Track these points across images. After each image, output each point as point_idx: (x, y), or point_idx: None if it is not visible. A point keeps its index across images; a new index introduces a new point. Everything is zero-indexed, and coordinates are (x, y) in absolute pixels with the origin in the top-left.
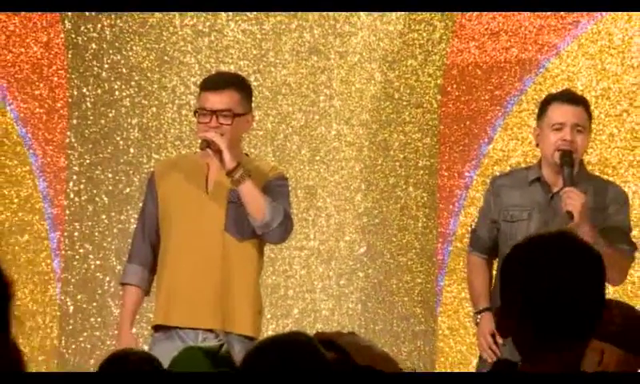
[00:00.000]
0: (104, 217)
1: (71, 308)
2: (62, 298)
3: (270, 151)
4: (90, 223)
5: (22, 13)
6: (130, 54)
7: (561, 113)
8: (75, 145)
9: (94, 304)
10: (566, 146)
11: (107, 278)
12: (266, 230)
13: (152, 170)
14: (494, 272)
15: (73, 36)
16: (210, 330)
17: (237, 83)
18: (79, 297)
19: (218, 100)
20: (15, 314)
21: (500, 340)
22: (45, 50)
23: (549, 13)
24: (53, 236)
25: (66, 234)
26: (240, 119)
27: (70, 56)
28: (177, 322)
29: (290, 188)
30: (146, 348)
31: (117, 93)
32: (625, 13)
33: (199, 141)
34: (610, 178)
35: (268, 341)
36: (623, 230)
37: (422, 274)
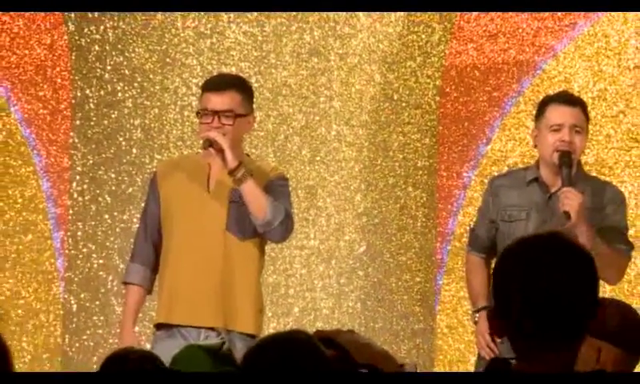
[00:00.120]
0: (107, 216)
1: (74, 306)
2: (66, 296)
3: (271, 152)
4: (93, 223)
5: (26, 15)
6: (133, 55)
7: (559, 114)
8: (78, 145)
9: (97, 302)
10: (564, 147)
11: (110, 277)
12: (268, 229)
13: (154, 170)
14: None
15: (76, 38)
16: (212, 328)
17: (238, 84)
18: (82, 295)
19: (220, 101)
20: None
21: (498, 338)
22: (48, 51)
23: (546, 15)
24: (56, 235)
25: (69, 233)
26: (241, 120)
27: (73, 58)
28: (179, 320)
29: (290, 188)
30: (148, 346)
31: (119, 94)
32: (621, 16)
33: (201, 141)
34: (607, 179)
35: (268, 339)
36: (620, 229)
37: (421, 273)
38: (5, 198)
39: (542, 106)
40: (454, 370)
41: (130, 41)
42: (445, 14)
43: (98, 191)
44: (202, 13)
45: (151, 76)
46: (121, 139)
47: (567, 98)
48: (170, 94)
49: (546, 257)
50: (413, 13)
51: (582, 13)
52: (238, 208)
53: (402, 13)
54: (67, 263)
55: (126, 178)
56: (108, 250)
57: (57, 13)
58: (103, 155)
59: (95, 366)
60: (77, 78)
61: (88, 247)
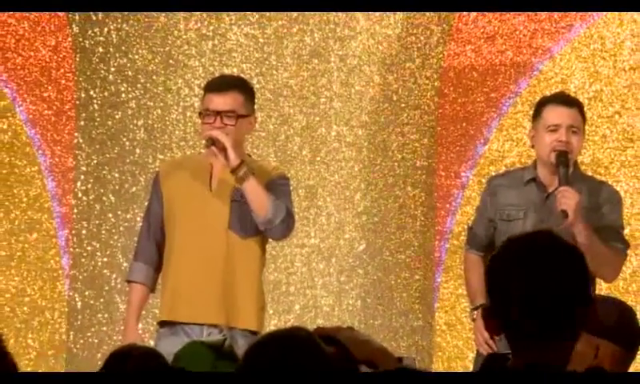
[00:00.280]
0: (111, 215)
1: (79, 304)
2: (71, 294)
3: (272, 152)
4: (97, 221)
5: (31, 17)
6: (136, 57)
7: (556, 114)
8: (83, 145)
9: (102, 300)
10: (561, 147)
11: (114, 275)
12: (269, 227)
13: (157, 170)
14: None
15: (80, 40)
16: (215, 325)
17: (240, 85)
18: (87, 293)
19: (222, 101)
20: None
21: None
22: (53, 53)
23: (543, 17)
24: (61, 234)
25: (74, 232)
26: (243, 120)
27: (77, 59)
28: (182, 317)
29: (291, 187)
30: (151, 343)
31: (123, 95)
32: (616, 18)
33: (204, 141)
34: (603, 178)
35: (269, 336)
36: (616, 228)
37: (420, 271)
38: (10, 197)
39: (540, 107)
40: (453, 366)
41: (134, 42)
42: (443, 16)
43: (102, 190)
44: (205, 15)
45: (154, 77)
46: (124, 139)
47: (564, 99)
48: (172, 95)
49: (537, 255)
50: (412, 15)
51: (579, 15)
52: (239, 207)
53: (401, 15)
54: (72, 261)
55: (129, 178)
56: (112, 249)
57: (61, 15)
58: (107, 155)
59: (100, 363)
60: (81, 79)
61: (92, 245)
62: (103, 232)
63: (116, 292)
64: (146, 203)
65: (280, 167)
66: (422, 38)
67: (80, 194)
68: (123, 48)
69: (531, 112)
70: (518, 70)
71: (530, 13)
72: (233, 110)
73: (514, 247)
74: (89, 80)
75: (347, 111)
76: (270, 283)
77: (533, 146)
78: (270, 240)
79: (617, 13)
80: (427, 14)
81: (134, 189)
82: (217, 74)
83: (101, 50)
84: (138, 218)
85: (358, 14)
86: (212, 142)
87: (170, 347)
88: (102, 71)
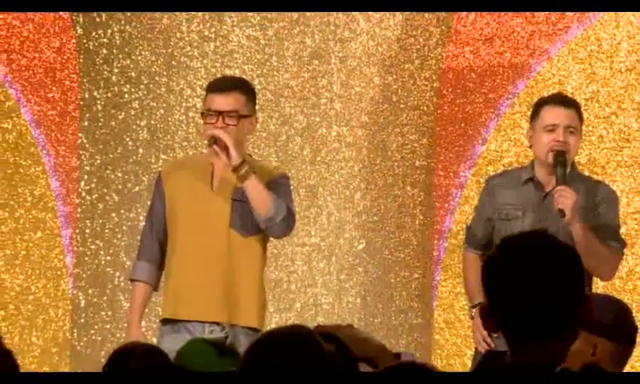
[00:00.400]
0: (114, 215)
1: (83, 302)
2: (74, 292)
3: (273, 152)
4: (100, 221)
5: (36, 19)
6: (139, 58)
7: (554, 115)
8: (86, 145)
9: (105, 298)
10: (559, 147)
11: (117, 274)
12: (270, 225)
13: (159, 170)
14: None
15: (84, 41)
16: (216, 323)
17: (242, 86)
18: (90, 291)
19: (225, 101)
20: None
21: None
22: (57, 54)
23: (540, 19)
24: (65, 233)
25: (77, 230)
26: (245, 121)
27: (81, 60)
28: (185, 315)
29: (291, 187)
30: (154, 341)
31: (126, 95)
32: (613, 19)
33: (206, 140)
34: (600, 178)
35: (270, 334)
36: (613, 227)
37: (419, 270)
38: (15, 196)
39: (537, 107)
40: (451, 363)
41: (137, 44)
42: (442, 18)
43: (105, 190)
44: (207, 17)
45: (157, 78)
46: (127, 139)
47: (562, 100)
48: (175, 96)
49: (532, 255)
50: (411, 17)
51: (576, 17)
52: (241, 206)
53: (400, 17)
54: (76, 260)
55: (132, 178)
56: (115, 247)
57: (65, 17)
58: (110, 155)
59: (103, 360)
60: (85, 80)
61: (96, 244)
62: (106, 231)
63: (119, 290)
64: (149, 203)
65: (281, 167)
66: (421, 39)
67: (84, 194)
68: (126, 49)
69: (529, 112)
70: (515, 71)
71: (527, 15)
72: (235, 110)
73: (509, 247)
74: (92, 81)
75: (347, 112)
76: (271, 281)
77: (531, 146)
78: (271, 239)
79: (613, 15)
80: (426, 15)
81: (136, 188)
82: (219, 75)
83: (104, 51)
84: (141, 217)
85: (358, 16)
86: (214, 140)
87: (172, 345)
88: (106, 72)
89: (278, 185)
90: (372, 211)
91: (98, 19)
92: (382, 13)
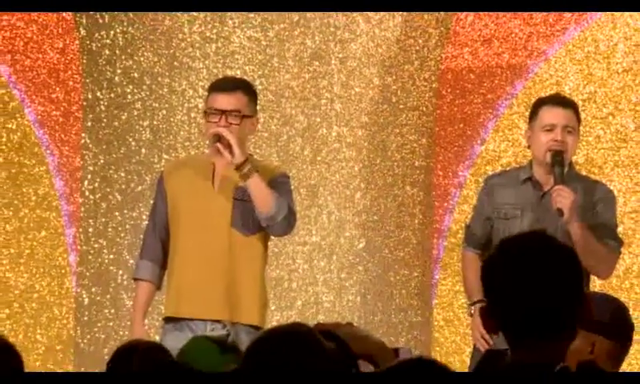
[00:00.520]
0: (117, 214)
1: (86, 300)
2: (78, 290)
3: (274, 152)
4: (103, 220)
5: (40, 21)
6: (142, 59)
7: (552, 115)
8: (90, 145)
9: (108, 296)
10: (557, 147)
11: (120, 272)
12: (271, 223)
13: (161, 170)
14: None
15: (87, 42)
16: (218, 321)
17: (244, 87)
18: (94, 289)
19: (228, 101)
20: None
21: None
22: (61, 55)
23: (538, 20)
24: (69, 232)
25: (81, 229)
26: (247, 121)
27: (84, 61)
28: (187, 313)
29: (292, 186)
30: (157, 338)
31: (129, 96)
32: (610, 21)
33: (209, 138)
34: (597, 178)
35: (271, 332)
36: (610, 226)
37: (419, 268)
38: (19, 196)
39: (536, 108)
40: (450, 361)
41: (139, 45)
42: (441, 19)
43: (108, 189)
44: (209, 19)
45: (159, 79)
46: (130, 140)
47: (560, 100)
48: (177, 97)
49: (531, 255)
50: (410, 19)
51: (573, 19)
52: (242, 205)
53: (400, 19)
54: (79, 258)
55: (135, 177)
56: (118, 246)
57: (69, 19)
58: (113, 155)
59: (106, 358)
60: (88, 80)
61: (99, 243)
62: (110, 230)
63: (122, 288)
64: (152, 202)
65: (281, 166)
66: (420, 40)
67: (87, 193)
68: (129, 50)
69: (527, 113)
70: (513, 72)
71: (525, 17)
72: (238, 110)
73: (509, 248)
74: (96, 82)
75: (347, 112)
76: (272, 280)
77: (529, 146)
78: (272, 237)
79: (610, 17)
80: (425, 17)
81: (139, 188)
82: (220, 76)
83: (107, 52)
84: (144, 216)
85: (358, 18)
86: (218, 138)
87: (174, 343)
88: (109, 73)
89: (278, 184)
90: (372, 210)
91: (101, 21)
92: (381, 14)
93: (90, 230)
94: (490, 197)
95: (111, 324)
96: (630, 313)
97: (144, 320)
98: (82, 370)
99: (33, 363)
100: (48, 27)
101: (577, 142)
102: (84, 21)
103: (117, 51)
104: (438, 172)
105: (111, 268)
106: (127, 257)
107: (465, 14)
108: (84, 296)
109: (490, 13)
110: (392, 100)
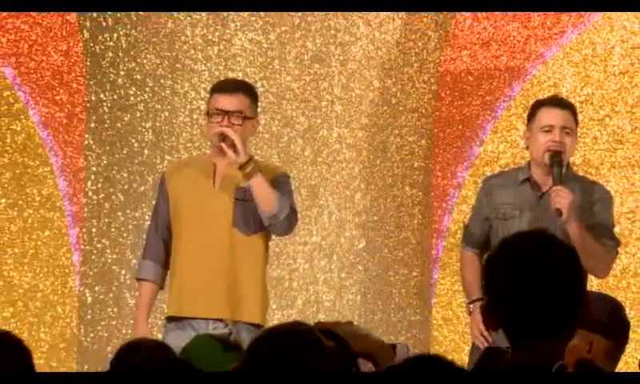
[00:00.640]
0: (120, 214)
1: (89, 299)
2: (81, 289)
3: (275, 153)
4: (107, 220)
5: (44, 24)
6: (145, 61)
7: (550, 116)
8: (93, 146)
9: (111, 295)
10: (555, 147)
11: (123, 271)
12: (274, 222)
13: (163, 171)
14: None
15: (91, 45)
16: (220, 320)
17: (246, 89)
18: (97, 288)
19: (230, 102)
20: None
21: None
22: (65, 58)
23: (536, 23)
24: (72, 232)
25: (84, 229)
26: (248, 122)
27: (88, 63)
28: (189, 312)
29: (293, 187)
30: (159, 337)
31: (132, 98)
32: (607, 24)
33: (211, 139)
34: (594, 179)
35: (271, 330)
36: (607, 226)
37: (418, 268)
38: (24, 196)
39: (534, 109)
40: (449, 358)
41: (142, 47)
42: (440, 22)
43: (111, 190)
44: (211, 21)
45: (162, 81)
46: (133, 141)
47: (558, 101)
48: (179, 98)
49: (533, 254)
50: (410, 22)
51: (571, 22)
52: (243, 205)
53: (399, 22)
54: (82, 258)
55: (137, 178)
56: (121, 246)
57: (72, 22)
58: (116, 156)
59: (110, 356)
60: (91, 82)
61: (102, 243)
62: (113, 230)
63: (125, 287)
64: (154, 203)
65: (282, 166)
66: (419, 43)
67: (90, 194)
68: (132, 53)
69: (525, 115)
70: (511, 74)
71: (523, 20)
72: (240, 111)
73: (510, 247)
74: (99, 83)
75: (348, 114)
76: (273, 279)
77: (527, 147)
78: (273, 237)
79: (607, 20)
80: (425, 20)
81: (142, 188)
82: (222, 78)
83: (110, 54)
84: (146, 217)
85: (358, 21)
86: (223, 137)
87: (177, 341)
88: (112, 75)
89: (279, 183)
90: (372, 211)
91: (104, 24)
92: (381, 18)
93: (94, 229)
94: (488, 197)
95: (114, 322)
96: (627, 311)
97: (148, 319)
98: (86, 367)
99: (36, 361)
100: (52, 30)
101: (575, 142)
102: (88, 24)
103: (120, 54)
104: (436, 173)
105: (114, 267)
106: (130, 256)
107: (463, 17)
108: (87, 295)
109: (489, 16)
110: (392, 102)
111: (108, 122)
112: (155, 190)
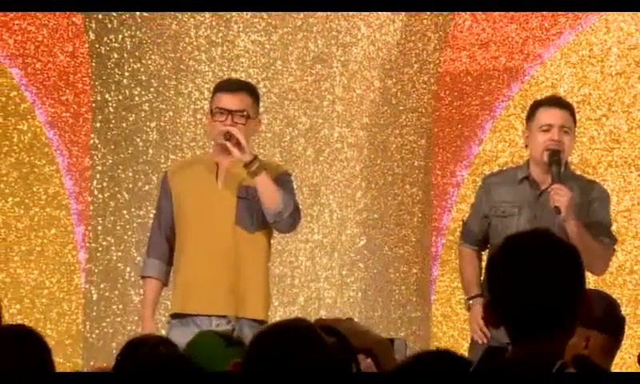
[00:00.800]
0: (125, 212)
1: (95, 296)
2: (87, 286)
3: (278, 152)
4: (112, 218)
5: (50, 25)
6: (149, 62)
7: (549, 115)
8: (99, 146)
9: (116, 292)
10: (554, 146)
11: (128, 269)
12: (279, 219)
13: (165, 170)
14: (484, 263)
15: (96, 46)
16: (223, 316)
17: (248, 88)
18: (102, 286)
19: (233, 101)
20: None
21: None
22: (71, 58)
23: (534, 25)
24: (78, 230)
25: (90, 227)
26: (250, 122)
27: (93, 64)
28: (193, 309)
29: (295, 185)
30: (163, 333)
31: (137, 98)
32: (604, 26)
33: (214, 138)
34: (592, 178)
35: (273, 327)
36: (605, 224)
37: (418, 265)
38: (30, 194)
39: (533, 109)
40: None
41: (147, 48)
42: (440, 24)
43: (116, 189)
44: (214, 23)
45: (166, 81)
46: (138, 140)
47: (557, 101)
48: (183, 99)
49: (535, 253)
50: (410, 23)
51: (568, 23)
52: (246, 203)
53: (400, 23)
54: (88, 256)
55: (142, 177)
56: (126, 244)
57: (78, 23)
58: (121, 155)
59: (115, 352)
60: (97, 83)
61: (107, 241)
62: (118, 228)
63: (130, 285)
64: (157, 201)
65: (284, 165)
66: (419, 44)
67: (96, 192)
68: (137, 54)
69: (523, 114)
70: (510, 74)
71: (521, 21)
72: (243, 110)
73: (512, 245)
74: (104, 84)
75: (349, 113)
76: (275, 276)
77: (526, 146)
78: (275, 235)
79: (604, 21)
80: (425, 21)
81: (146, 187)
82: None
83: (116, 55)
84: (151, 215)
85: (360, 22)
86: (229, 136)
87: (180, 338)
88: (117, 76)
89: (282, 181)
90: (372, 209)
91: (109, 25)
92: (382, 19)
93: (99, 227)
94: (487, 195)
95: (119, 319)
96: (623, 308)
97: (154, 316)
98: (91, 363)
99: None
100: (58, 31)
101: (573, 142)
102: (93, 25)
103: (125, 54)
104: (436, 172)
105: (119, 265)
106: (135, 254)
107: (462, 19)
108: (93, 292)
109: (487, 18)
110: (392, 102)
111: (113, 121)
112: (159, 188)
